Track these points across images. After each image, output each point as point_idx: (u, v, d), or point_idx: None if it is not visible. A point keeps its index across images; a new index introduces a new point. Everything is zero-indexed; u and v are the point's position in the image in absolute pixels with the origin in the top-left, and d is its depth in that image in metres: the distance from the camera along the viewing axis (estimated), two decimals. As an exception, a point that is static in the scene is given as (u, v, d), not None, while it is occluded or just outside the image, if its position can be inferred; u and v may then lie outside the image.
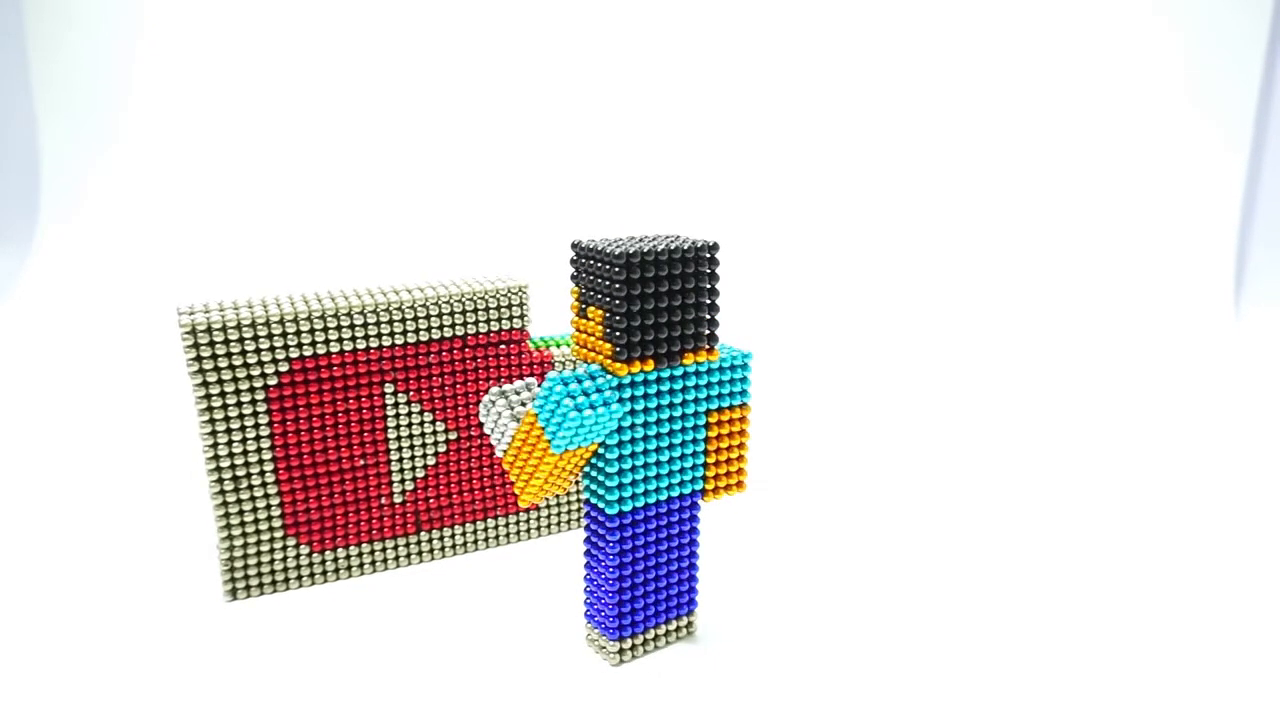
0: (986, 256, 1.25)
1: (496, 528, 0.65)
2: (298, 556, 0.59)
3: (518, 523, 0.66)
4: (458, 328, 0.60)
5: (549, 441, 0.45)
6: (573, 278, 0.47)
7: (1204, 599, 0.58)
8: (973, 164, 1.27)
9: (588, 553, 0.51)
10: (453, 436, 0.61)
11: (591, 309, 0.46)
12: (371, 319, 0.57)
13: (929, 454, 0.81)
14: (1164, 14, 1.21)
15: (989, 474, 0.77)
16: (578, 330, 0.48)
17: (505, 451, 0.48)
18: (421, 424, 0.60)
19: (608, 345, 0.46)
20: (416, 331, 0.59)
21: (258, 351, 0.54)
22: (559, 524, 0.67)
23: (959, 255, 1.25)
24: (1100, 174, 1.25)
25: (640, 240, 0.47)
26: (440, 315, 0.59)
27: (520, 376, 0.62)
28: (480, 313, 0.60)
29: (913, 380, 1.00)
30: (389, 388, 0.59)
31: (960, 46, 1.25)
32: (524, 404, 0.48)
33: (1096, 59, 1.23)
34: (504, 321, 0.61)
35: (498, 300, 0.60)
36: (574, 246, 0.47)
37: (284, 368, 0.55)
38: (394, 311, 0.57)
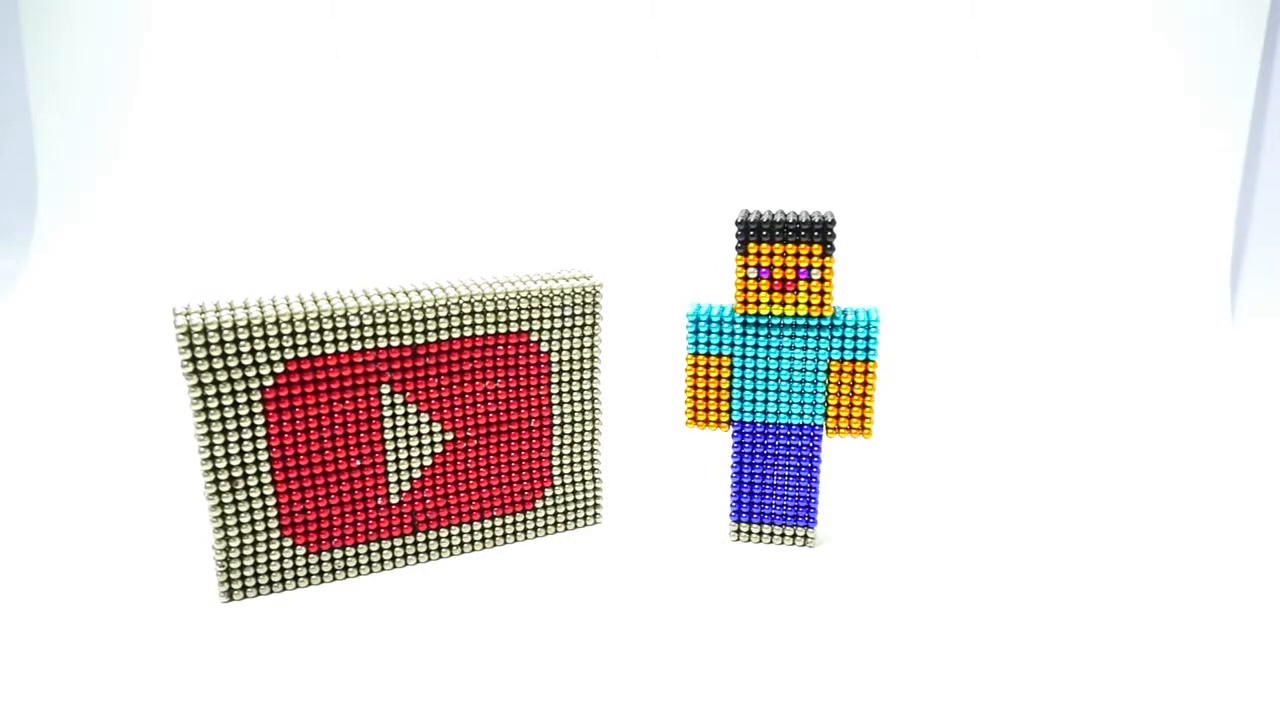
0: (982, 260, 1.25)
1: (493, 528, 0.65)
2: (294, 557, 0.59)
3: (515, 523, 0.66)
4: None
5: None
6: (829, 252, 0.58)
7: (1202, 602, 0.58)
8: (967, 167, 1.27)
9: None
10: (449, 437, 0.62)
11: (829, 258, 0.58)
12: (368, 320, 0.57)
13: (924, 456, 0.81)
14: (1160, 15, 1.21)
15: (984, 477, 0.77)
16: (825, 286, 0.59)
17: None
18: (418, 424, 0.60)
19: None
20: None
21: (253, 352, 0.55)
22: (557, 525, 0.67)
23: (953, 258, 1.26)
24: (1095, 178, 1.25)
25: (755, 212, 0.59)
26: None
27: (529, 376, 0.62)
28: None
29: (907, 381, 1.00)
30: (385, 389, 0.59)
31: (954, 47, 1.26)
32: None
33: (1091, 61, 1.23)
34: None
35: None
36: (829, 227, 0.57)
37: (280, 368, 0.55)
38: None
